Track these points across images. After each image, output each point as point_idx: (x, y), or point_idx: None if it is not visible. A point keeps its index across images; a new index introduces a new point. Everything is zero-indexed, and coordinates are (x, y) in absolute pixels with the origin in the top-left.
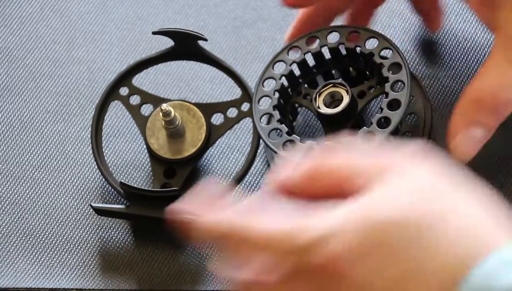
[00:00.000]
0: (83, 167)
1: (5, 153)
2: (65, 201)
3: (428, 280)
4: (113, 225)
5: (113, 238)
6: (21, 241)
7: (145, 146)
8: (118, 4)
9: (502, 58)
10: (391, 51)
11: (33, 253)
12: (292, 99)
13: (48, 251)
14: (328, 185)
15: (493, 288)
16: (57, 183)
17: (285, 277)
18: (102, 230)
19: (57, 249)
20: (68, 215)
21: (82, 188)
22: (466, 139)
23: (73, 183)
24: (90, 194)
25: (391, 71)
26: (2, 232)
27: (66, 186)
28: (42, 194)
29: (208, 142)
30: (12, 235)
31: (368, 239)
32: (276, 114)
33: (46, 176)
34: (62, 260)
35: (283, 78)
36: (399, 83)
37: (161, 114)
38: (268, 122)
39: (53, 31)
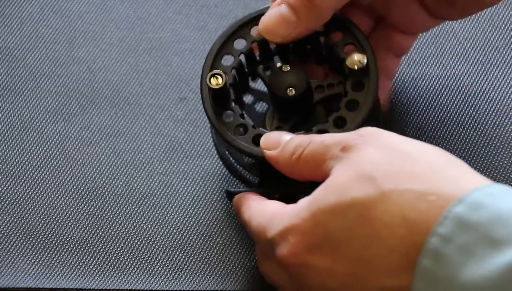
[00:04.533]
0: (83, 167)
1: (5, 153)
2: (65, 201)
3: (390, 244)
4: (113, 225)
5: (114, 238)
6: (21, 241)
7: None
8: (118, 4)
9: None
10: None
11: (33, 253)
12: (252, 70)
13: (48, 251)
14: (310, 169)
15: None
16: (57, 183)
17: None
18: (102, 230)
19: (57, 249)
20: (68, 215)
21: (82, 188)
22: (272, 12)
23: (73, 183)
24: (90, 194)
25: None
26: (2, 232)
27: (66, 186)
28: (42, 194)
29: None
30: (12, 235)
31: (320, 229)
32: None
33: (46, 176)
34: (62, 260)
35: (242, 55)
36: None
37: None
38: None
39: (53, 31)
